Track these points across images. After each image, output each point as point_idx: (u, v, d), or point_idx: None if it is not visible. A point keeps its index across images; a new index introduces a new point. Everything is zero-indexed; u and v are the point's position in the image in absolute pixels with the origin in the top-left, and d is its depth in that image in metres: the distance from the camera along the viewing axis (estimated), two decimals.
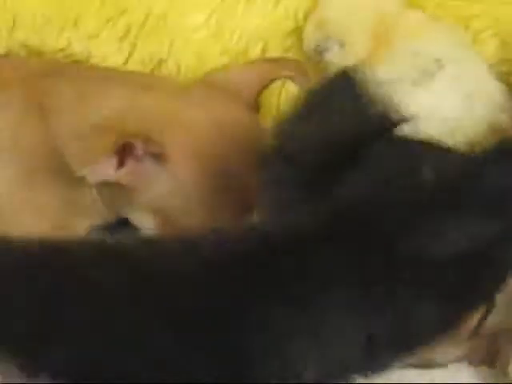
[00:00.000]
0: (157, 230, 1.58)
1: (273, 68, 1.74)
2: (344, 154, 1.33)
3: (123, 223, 1.72)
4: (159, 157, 1.50)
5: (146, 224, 1.57)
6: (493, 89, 1.56)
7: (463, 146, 1.52)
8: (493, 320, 1.47)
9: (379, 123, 1.36)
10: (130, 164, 1.49)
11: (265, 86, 1.73)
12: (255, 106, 1.73)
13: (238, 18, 1.68)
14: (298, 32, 1.70)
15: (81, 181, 1.55)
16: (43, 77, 1.63)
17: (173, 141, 1.53)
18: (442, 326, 1.26)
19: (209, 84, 1.67)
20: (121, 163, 1.49)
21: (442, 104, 1.53)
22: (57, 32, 1.65)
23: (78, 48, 1.65)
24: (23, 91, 1.63)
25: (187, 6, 1.67)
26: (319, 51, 1.62)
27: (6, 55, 1.71)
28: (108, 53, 1.67)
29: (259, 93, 1.74)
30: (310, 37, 1.67)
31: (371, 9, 1.59)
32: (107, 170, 1.49)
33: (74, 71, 1.68)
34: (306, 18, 1.68)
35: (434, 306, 1.21)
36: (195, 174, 1.54)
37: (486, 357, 1.51)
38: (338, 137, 1.37)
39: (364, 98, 1.36)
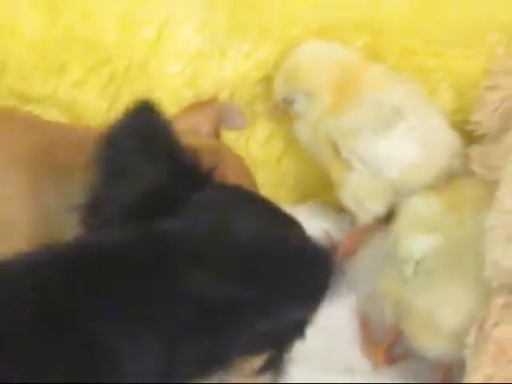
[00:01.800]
0: None
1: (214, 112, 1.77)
2: (157, 206, 1.26)
3: None
4: None
5: None
6: (447, 137, 1.64)
7: (421, 188, 1.62)
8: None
9: (191, 174, 1.29)
10: None
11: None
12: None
13: (211, 68, 1.70)
14: (264, 81, 1.74)
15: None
16: None
17: None
18: (209, 364, 1.21)
19: None
20: None
21: (400, 151, 1.61)
22: (43, 79, 1.66)
23: (62, 95, 1.66)
24: None
25: (166, 57, 1.67)
26: (288, 102, 1.65)
27: None
28: (92, 100, 1.68)
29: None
30: (279, 89, 1.70)
31: (335, 61, 1.63)
32: None
33: None
34: (274, 68, 1.69)
35: (201, 345, 1.18)
36: None
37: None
38: (149, 188, 1.30)
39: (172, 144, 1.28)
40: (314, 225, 1.68)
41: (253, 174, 1.72)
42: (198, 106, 1.79)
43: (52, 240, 1.60)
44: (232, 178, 1.55)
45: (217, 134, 1.79)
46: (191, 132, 1.73)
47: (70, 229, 1.61)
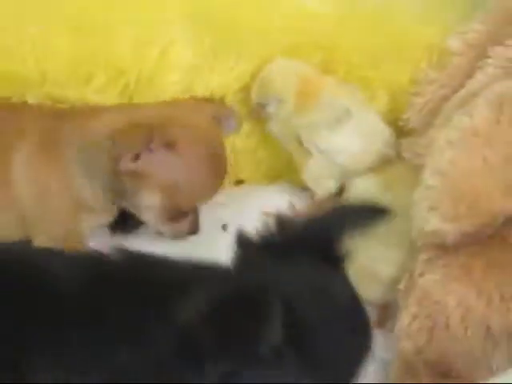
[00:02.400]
0: (161, 206, 1.62)
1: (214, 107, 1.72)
2: None
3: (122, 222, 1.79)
4: (169, 145, 1.55)
5: (152, 203, 1.61)
6: (383, 131, 1.65)
7: (364, 171, 1.64)
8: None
9: None
10: (144, 156, 1.53)
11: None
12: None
13: (202, 79, 1.67)
14: (244, 89, 1.71)
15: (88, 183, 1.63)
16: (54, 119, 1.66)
17: (179, 135, 1.58)
18: None
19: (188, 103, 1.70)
20: (136, 157, 1.54)
21: (348, 142, 1.62)
22: (73, 86, 1.64)
23: (88, 99, 1.65)
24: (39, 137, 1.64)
25: (167, 70, 1.64)
26: (262, 105, 1.67)
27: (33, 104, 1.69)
28: (111, 103, 1.67)
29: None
30: (255, 96, 1.70)
31: (298, 74, 1.64)
32: (126, 164, 1.54)
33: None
34: (251, 79, 1.69)
35: None
36: (194, 156, 1.60)
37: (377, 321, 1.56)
38: None
39: None
40: (284, 199, 1.76)
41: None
42: (194, 99, 1.72)
43: None
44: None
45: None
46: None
47: None
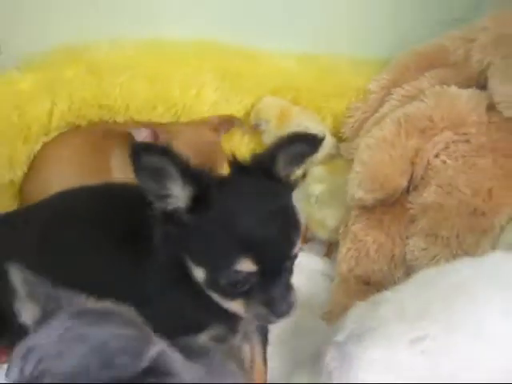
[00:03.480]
0: None
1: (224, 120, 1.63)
2: None
3: None
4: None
5: None
6: (330, 139, 1.61)
7: (318, 163, 1.60)
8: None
9: None
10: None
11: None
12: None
13: (221, 109, 1.65)
14: (247, 114, 1.68)
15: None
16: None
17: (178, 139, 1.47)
18: None
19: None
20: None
21: None
22: (145, 113, 1.61)
23: (154, 121, 1.60)
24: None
25: (200, 102, 1.63)
26: (257, 125, 1.66)
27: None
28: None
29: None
30: (253, 118, 1.67)
31: (278, 106, 1.63)
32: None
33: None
34: (251, 108, 1.66)
35: None
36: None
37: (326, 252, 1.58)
38: None
39: None
40: None
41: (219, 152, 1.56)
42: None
43: None
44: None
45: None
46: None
47: None
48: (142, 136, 1.50)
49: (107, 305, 0.90)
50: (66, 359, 0.82)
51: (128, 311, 0.92)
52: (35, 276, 0.91)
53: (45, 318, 0.87)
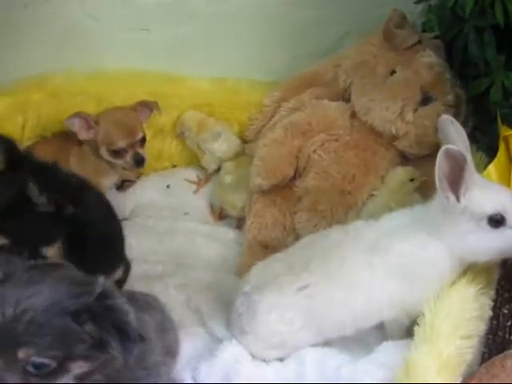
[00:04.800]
0: (107, 150, 1.45)
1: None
2: None
3: None
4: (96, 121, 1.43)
5: (104, 152, 1.46)
6: (236, 141, 1.58)
7: (228, 159, 1.56)
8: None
9: None
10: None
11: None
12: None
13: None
14: (174, 124, 1.60)
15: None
16: None
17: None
18: None
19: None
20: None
21: (220, 147, 1.54)
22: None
23: None
24: None
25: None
26: (182, 132, 1.60)
27: None
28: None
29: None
30: (178, 127, 1.59)
31: (197, 117, 1.57)
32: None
33: None
34: (178, 119, 1.59)
35: None
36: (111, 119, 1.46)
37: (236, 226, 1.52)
38: None
39: None
40: (193, 173, 1.63)
41: None
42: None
43: None
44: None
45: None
46: None
47: None
48: (75, 123, 1.46)
49: (51, 260, 0.89)
50: (39, 297, 0.80)
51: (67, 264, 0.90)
52: None
53: (7, 277, 0.84)
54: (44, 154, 1.46)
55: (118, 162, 1.49)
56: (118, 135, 1.47)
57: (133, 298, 0.96)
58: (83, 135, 1.47)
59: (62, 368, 0.79)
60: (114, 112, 1.51)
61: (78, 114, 1.46)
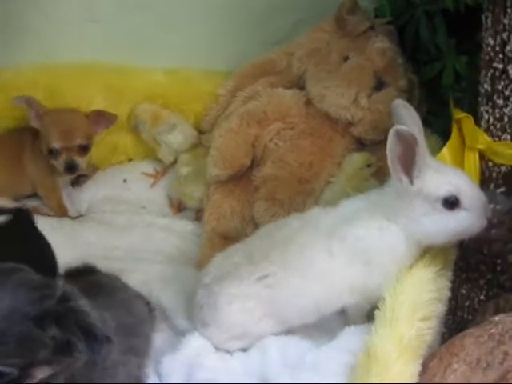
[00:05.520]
0: (44, 149, 1.44)
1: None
2: None
3: None
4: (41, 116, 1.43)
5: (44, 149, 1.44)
6: (193, 132, 1.56)
7: (185, 150, 1.55)
8: None
9: None
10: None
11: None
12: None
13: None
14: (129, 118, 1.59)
15: None
16: None
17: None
18: None
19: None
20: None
21: (176, 138, 1.53)
22: None
23: None
24: None
25: None
26: (136, 125, 1.59)
27: None
28: None
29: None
30: (132, 120, 1.59)
31: (151, 110, 1.56)
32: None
33: None
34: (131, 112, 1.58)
35: None
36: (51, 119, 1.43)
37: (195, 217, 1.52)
38: None
39: None
40: (150, 166, 1.62)
41: None
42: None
43: None
44: None
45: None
46: None
47: None
48: (21, 101, 1.45)
49: (9, 264, 0.83)
50: None
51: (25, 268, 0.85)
52: None
53: None
54: None
55: (52, 162, 1.46)
56: (54, 135, 1.44)
57: (99, 289, 0.96)
58: (33, 123, 1.46)
59: (25, 375, 0.76)
60: (62, 111, 1.49)
61: (27, 98, 1.44)
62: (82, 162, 1.45)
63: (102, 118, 1.48)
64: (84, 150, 1.45)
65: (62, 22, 1.55)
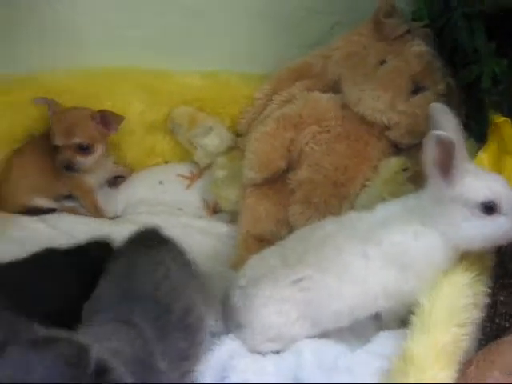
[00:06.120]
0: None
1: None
2: None
3: None
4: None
5: None
6: (228, 135, 1.58)
7: (221, 154, 1.56)
8: None
9: None
10: None
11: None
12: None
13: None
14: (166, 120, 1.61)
15: None
16: None
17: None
18: None
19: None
20: None
21: (212, 141, 1.55)
22: None
23: None
24: None
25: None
26: (173, 128, 1.61)
27: None
28: None
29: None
30: (169, 123, 1.60)
31: (188, 112, 1.58)
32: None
33: None
34: (168, 115, 1.60)
35: None
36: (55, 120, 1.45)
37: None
38: None
39: None
40: (186, 169, 1.63)
41: None
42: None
43: None
44: None
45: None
46: None
47: None
48: (40, 102, 1.47)
49: (50, 332, 0.80)
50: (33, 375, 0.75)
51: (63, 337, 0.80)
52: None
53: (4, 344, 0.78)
54: (34, 154, 1.52)
55: (57, 159, 1.46)
56: (55, 132, 1.45)
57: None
58: (51, 121, 1.47)
59: None
60: (67, 110, 1.49)
61: (46, 99, 1.46)
62: (83, 161, 1.45)
63: (108, 119, 1.47)
64: (85, 149, 1.44)
65: (101, 27, 1.57)
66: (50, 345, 0.77)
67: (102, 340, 0.82)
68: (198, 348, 0.99)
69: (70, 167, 1.44)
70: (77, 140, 1.44)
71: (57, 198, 1.54)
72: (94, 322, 0.91)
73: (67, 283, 1.07)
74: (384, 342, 1.04)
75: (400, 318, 1.08)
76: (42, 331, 0.80)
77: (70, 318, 0.90)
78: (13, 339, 0.78)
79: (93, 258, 1.11)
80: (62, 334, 0.79)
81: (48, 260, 1.09)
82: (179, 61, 1.60)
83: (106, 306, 0.94)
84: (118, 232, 1.39)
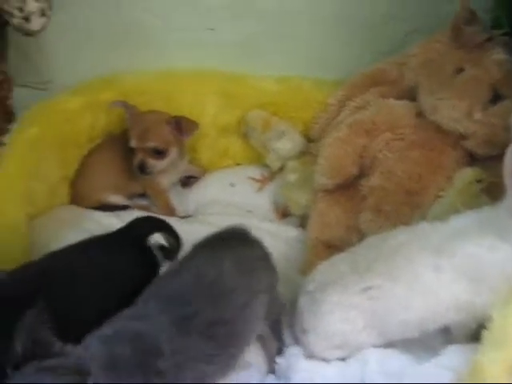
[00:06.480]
0: None
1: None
2: None
3: None
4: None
5: None
6: (300, 139, 1.59)
7: (292, 158, 1.57)
8: None
9: None
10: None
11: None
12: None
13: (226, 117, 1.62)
14: (239, 123, 1.63)
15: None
16: None
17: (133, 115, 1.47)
18: None
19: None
20: None
21: (285, 145, 1.56)
22: None
23: None
24: None
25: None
26: (246, 131, 1.62)
27: None
28: None
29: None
30: (242, 127, 1.62)
31: (262, 116, 1.59)
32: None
33: None
34: (243, 118, 1.61)
35: None
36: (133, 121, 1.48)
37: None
38: None
39: None
40: (258, 171, 1.65)
41: None
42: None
43: None
44: None
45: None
46: None
47: None
48: (118, 105, 1.50)
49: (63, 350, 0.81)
50: None
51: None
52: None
53: (22, 361, 0.78)
54: (111, 152, 1.56)
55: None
56: (132, 134, 1.48)
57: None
58: (128, 124, 1.50)
59: None
60: (144, 113, 1.51)
61: (123, 102, 1.49)
62: (156, 164, 1.47)
63: (183, 125, 1.48)
64: (159, 153, 1.47)
65: (180, 29, 1.58)
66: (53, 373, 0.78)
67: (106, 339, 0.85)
68: (230, 358, 0.97)
69: (143, 169, 1.47)
70: (151, 144, 1.46)
71: (130, 196, 1.57)
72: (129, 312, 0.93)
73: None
74: (454, 356, 1.03)
75: (470, 332, 1.07)
76: (57, 347, 0.80)
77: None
78: (31, 356, 0.78)
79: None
80: (65, 362, 0.79)
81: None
82: (254, 65, 1.62)
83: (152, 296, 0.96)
84: (189, 231, 1.40)
